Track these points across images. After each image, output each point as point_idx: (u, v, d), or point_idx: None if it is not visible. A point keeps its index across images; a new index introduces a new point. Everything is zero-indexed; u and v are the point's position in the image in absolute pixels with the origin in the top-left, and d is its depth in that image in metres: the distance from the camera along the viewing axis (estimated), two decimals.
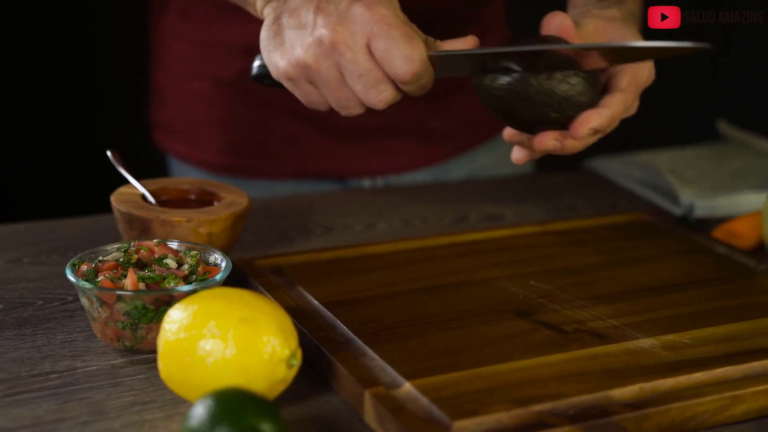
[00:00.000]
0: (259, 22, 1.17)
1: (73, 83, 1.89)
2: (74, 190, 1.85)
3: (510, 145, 1.34)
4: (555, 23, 0.84)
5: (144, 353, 0.77)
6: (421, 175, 1.27)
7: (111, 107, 1.93)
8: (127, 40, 1.77)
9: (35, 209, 1.50)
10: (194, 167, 1.26)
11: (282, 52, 0.82)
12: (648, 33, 0.90)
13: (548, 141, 0.84)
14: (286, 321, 0.70)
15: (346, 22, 0.79)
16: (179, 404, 0.71)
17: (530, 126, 0.85)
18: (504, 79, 0.82)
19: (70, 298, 0.87)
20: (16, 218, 1.09)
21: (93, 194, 1.08)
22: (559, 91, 0.81)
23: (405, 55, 0.79)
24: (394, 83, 0.81)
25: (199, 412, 0.62)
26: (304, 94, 0.84)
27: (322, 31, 0.79)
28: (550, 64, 0.81)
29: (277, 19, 0.83)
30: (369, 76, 0.80)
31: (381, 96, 0.81)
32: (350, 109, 0.83)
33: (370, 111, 1.20)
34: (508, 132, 0.89)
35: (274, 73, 0.84)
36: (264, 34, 0.84)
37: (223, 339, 0.67)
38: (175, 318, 0.69)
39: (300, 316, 0.81)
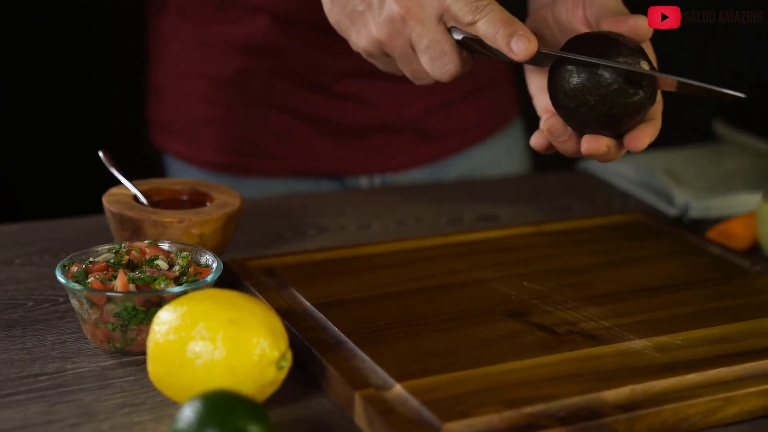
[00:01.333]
0: (257, 22, 1.18)
1: (71, 83, 1.89)
2: (73, 189, 1.84)
3: (507, 143, 1.34)
4: (635, 27, 0.82)
5: (134, 355, 0.77)
6: (419, 174, 1.27)
7: (109, 107, 1.92)
8: (126, 40, 1.77)
9: (34, 209, 1.49)
10: (192, 166, 1.25)
11: (357, 30, 0.84)
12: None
13: (602, 146, 0.82)
14: (276, 323, 0.70)
15: None
16: (169, 406, 0.71)
17: (591, 125, 0.82)
18: (588, 80, 0.79)
19: (61, 300, 0.87)
20: (15, 218, 1.09)
21: (92, 194, 1.07)
22: (637, 104, 0.80)
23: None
24: (460, 56, 0.82)
25: (187, 414, 0.62)
26: (383, 64, 0.87)
27: (392, 7, 0.81)
28: (621, 50, 0.79)
29: None
30: (435, 48, 0.82)
31: (445, 68, 0.82)
32: (423, 79, 0.86)
33: (369, 109, 1.21)
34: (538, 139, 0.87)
35: (354, 48, 0.86)
36: (333, 16, 0.86)
37: (212, 341, 0.67)
38: (165, 320, 0.69)
39: (291, 317, 0.80)
